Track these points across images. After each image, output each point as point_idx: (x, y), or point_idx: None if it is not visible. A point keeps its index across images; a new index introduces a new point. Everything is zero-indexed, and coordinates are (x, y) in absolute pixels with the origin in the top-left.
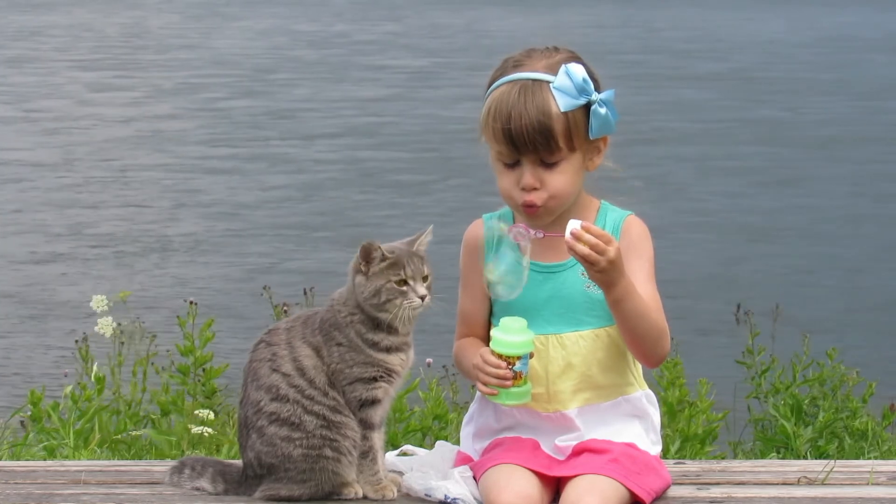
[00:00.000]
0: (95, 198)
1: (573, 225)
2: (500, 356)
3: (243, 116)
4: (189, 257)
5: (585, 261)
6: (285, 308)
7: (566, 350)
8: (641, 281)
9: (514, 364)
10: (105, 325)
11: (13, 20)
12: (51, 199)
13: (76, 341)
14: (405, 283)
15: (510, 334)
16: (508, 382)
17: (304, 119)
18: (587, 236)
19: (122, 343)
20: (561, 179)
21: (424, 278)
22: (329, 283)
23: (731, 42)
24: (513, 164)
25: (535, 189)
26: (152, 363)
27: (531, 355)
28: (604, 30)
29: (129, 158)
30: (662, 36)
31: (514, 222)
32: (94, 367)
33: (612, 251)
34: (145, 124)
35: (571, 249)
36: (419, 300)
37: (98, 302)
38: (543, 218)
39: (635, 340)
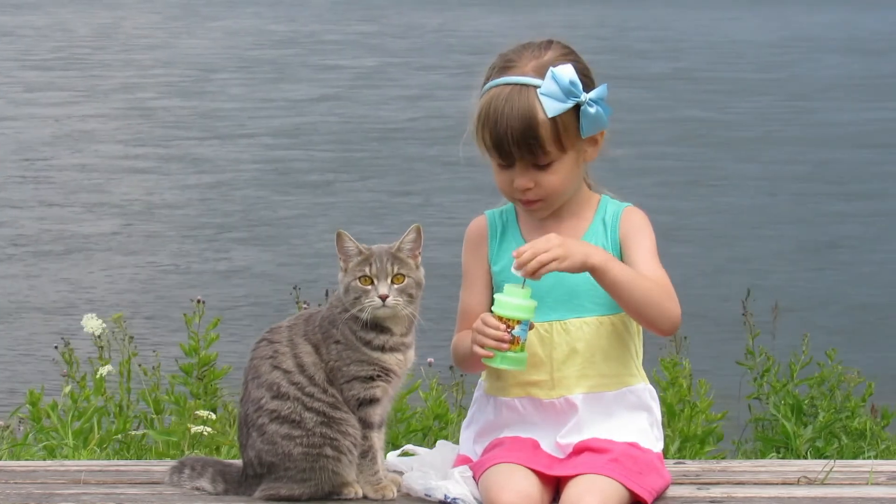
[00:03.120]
0: (13, 197)
1: (512, 265)
2: (499, 318)
3: (170, 116)
4: (103, 257)
5: (545, 265)
6: (305, 305)
7: (570, 335)
8: (646, 259)
9: (512, 327)
10: (93, 325)
11: None
12: None
13: (55, 347)
14: (370, 281)
15: (513, 297)
16: (505, 345)
17: (231, 119)
18: (525, 255)
19: (101, 348)
20: (554, 178)
21: (396, 279)
22: (241, 284)
23: (694, 42)
24: (506, 166)
25: (529, 189)
26: (140, 364)
27: (531, 326)
28: (573, 30)
29: (50, 158)
30: (630, 36)
31: (516, 217)
32: (102, 370)
33: (552, 238)
34: (71, 124)
35: (531, 272)
36: (379, 300)
37: (89, 321)
38: (543, 212)
39: (636, 308)
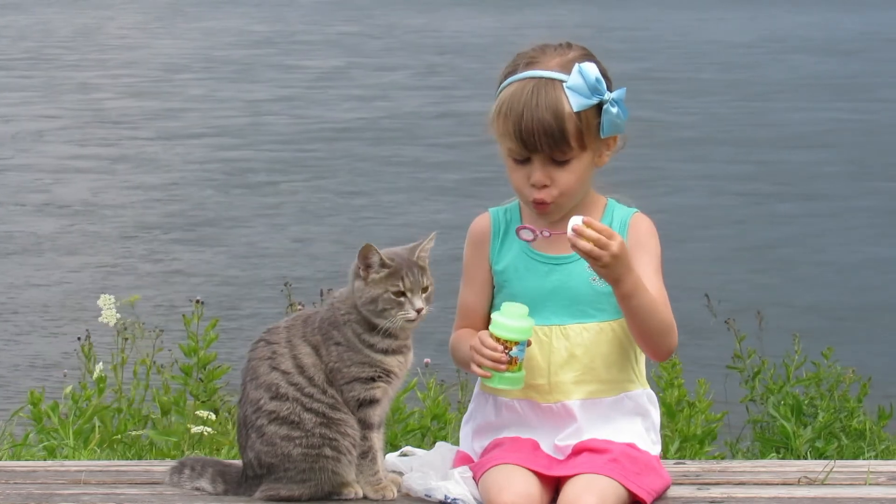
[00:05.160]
0: None
1: (575, 221)
2: (497, 339)
3: (122, 116)
4: (45, 258)
5: (589, 256)
6: (300, 306)
7: (569, 341)
8: (648, 276)
9: (510, 349)
10: (109, 315)
11: None
12: None
13: (78, 338)
14: (403, 294)
15: (510, 318)
16: (503, 367)
17: (184, 119)
18: (589, 232)
19: (126, 339)
20: (571, 177)
21: (424, 289)
22: (183, 283)
23: (668, 42)
24: (523, 161)
25: (545, 186)
26: (154, 362)
27: (529, 343)
28: (554, 29)
29: None
30: (607, 36)
31: (520, 216)
32: (99, 367)
33: (615, 246)
34: (23, 124)
35: (574, 246)
36: (415, 313)
37: (105, 301)
38: (553, 214)
39: (644, 335)
